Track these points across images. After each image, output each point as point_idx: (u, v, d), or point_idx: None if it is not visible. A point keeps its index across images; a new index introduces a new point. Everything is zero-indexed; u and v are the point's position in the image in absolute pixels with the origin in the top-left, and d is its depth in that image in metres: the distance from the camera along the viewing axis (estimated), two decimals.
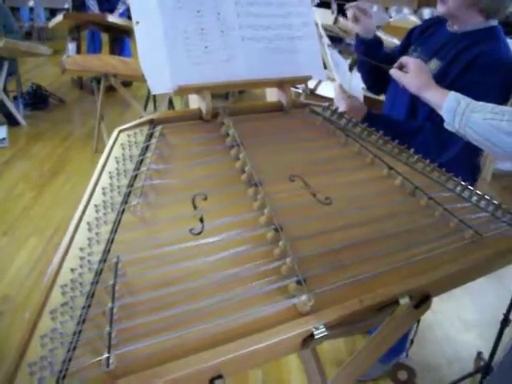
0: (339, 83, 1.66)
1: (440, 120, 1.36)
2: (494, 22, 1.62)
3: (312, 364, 1.41)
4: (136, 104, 4.20)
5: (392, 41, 4.32)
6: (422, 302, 0.98)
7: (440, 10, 1.64)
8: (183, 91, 1.20)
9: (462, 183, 1.22)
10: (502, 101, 1.57)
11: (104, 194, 0.98)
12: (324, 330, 0.83)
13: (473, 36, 1.61)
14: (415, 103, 1.67)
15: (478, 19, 1.61)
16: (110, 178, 1.02)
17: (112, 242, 0.89)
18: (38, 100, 5.09)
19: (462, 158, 1.66)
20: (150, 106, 4.74)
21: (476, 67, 1.54)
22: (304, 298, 0.84)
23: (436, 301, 0.98)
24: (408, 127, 1.65)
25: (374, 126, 1.35)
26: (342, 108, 1.61)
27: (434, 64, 1.65)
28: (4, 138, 4.23)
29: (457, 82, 1.56)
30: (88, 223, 0.92)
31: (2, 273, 2.71)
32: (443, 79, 1.56)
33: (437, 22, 1.79)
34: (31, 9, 7.92)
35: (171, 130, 1.16)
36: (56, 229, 3.11)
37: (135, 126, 1.16)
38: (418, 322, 1.09)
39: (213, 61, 1.22)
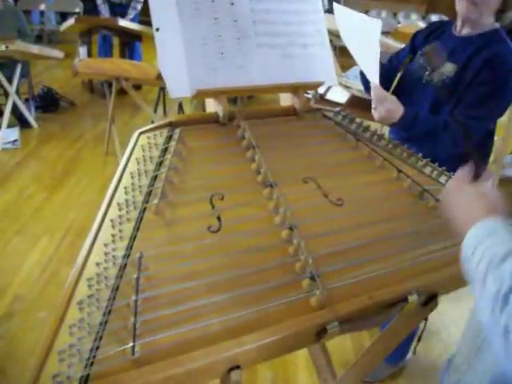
0: (377, 84, 1.64)
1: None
2: (497, 25, 1.69)
3: (322, 361, 1.44)
4: (146, 107, 4.24)
5: (400, 47, 4.35)
6: (429, 299, 1.02)
7: (472, 15, 1.65)
8: (201, 95, 1.24)
9: None
10: None
11: (126, 193, 1.02)
12: (336, 324, 0.86)
13: (481, 38, 1.68)
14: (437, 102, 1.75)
15: (490, 21, 1.68)
16: (132, 177, 1.06)
17: (135, 238, 0.93)
18: (48, 102, 5.14)
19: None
20: (160, 109, 4.79)
21: (491, 67, 1.61)
22: (317, 293, 0.88)
23: (443, 304, 1.01)
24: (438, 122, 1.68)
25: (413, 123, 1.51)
26: (383, 109, 1.62)
27: (450, 67, 1.69)
28: (16, 140, 4.28)
29: (474, 81, 1.63)
30: (112, 220, 0.96)
31: (14, 273, 2.74)
32: (460, 82, 1.65)
33: (438, 27, 1.85)
34: (42, 12, 7.99)
35: (189, 133, 1.21)
36: (67, 229, 3.15)
37: (154, 129, 1.21)
38: (426, 320, 1.12)
39: (229, 66, 1.26)
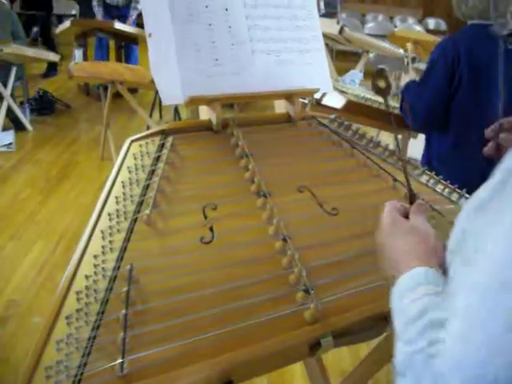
0: None
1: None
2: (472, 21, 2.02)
3: (317, 373, 1.42)
4: (142, 111, 4.22)
5: (397, 50, 4.33)
6: None
7: None
8: (194, 102, 1.22)
9: (467, 195, 1.23)
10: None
11: (117, 202, 1.00)
12: (330, 338, 0.85)
13: None
14: None
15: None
16: (123, 187, 1.04)
17: (125, 250, 0.91)
18: (44, 105, 5.13)
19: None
20: (156, 113, 4.78)
21: None
22: (311, 306, 0.86)
23: None
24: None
25: None
26: None
27: None
28: (11, 143, 4.26)
29: None
30: (102, 231, 0.94)
31: (8, 277, 2.71)
32: None
33: None
34: None
35: (182, 141, 1.18)
36: (62, 234, 3.13)
37: (146, 137, 1.19)
38: None
39: (223, 73, 1.24)
